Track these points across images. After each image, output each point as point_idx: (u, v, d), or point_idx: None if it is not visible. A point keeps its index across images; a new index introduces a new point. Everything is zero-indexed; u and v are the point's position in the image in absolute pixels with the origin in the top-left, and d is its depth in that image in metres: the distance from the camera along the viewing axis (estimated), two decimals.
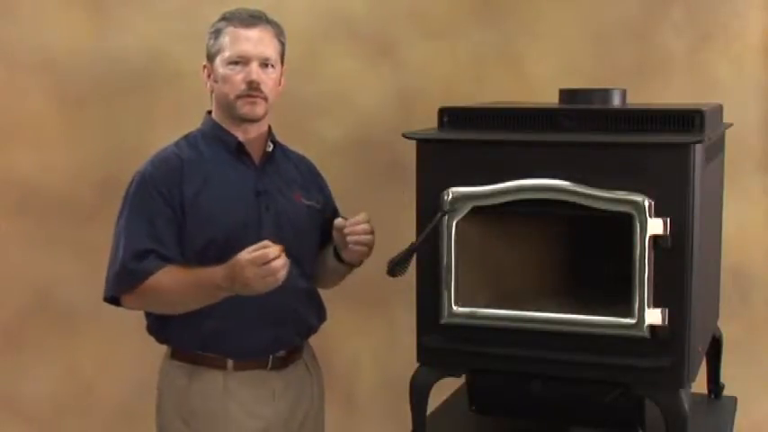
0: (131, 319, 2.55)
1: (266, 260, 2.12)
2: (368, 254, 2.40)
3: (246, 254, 2.14)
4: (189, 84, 3.05)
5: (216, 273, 2.21)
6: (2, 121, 3.23)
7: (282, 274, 2.15)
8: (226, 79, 2.37)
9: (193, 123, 2.49)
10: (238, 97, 2.37)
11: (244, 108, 2.37)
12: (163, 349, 2.48)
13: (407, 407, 2.23)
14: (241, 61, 2.36)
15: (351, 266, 2.49)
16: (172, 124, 2.61)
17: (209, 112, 2.48)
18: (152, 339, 2.45)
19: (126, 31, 3.19)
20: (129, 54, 3.18)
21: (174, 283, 2.28)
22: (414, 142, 2.16)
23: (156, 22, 3.17)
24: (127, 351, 3.24)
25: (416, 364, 2.22)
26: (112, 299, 2.36)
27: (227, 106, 2.39)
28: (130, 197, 2.36)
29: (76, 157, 3.23)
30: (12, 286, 3.27)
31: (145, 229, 2.31)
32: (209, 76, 2.42)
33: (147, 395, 2.51)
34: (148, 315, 2.43)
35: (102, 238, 3.22)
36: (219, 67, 2.38)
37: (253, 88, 2.36)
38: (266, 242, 2.16)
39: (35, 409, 3.32)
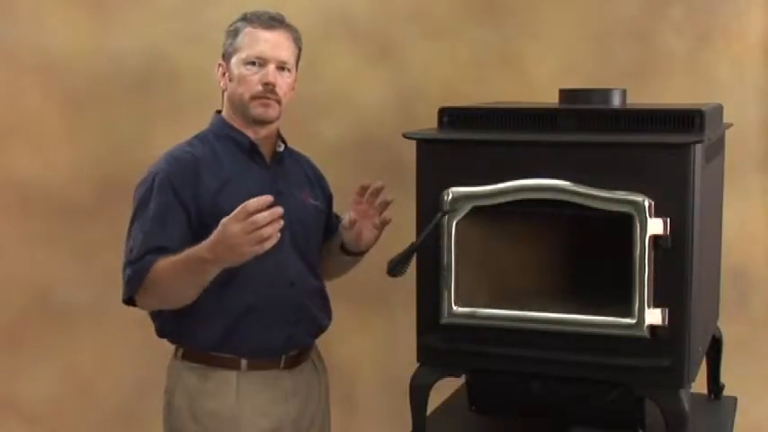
0: (131, 319, 2.56)
1: (256, 227, 2.03)
2: (378, 236, 2.42)
3: (235, 220, 2.05)
4: (188, 84, 3.06)
5: (201, 246, 2.15)
6: (2, 121, 3.23)
7: (272, 242, 2.07)
8: (241, 79, 2.35)
9: (193, 123, 2.49)
10: (253, 98, 2.35)
11: (257, 109, 2.35)
12: (164, 350, 2.47)
13: (407, 407, 2.22)
14: (258, 62, 2.34)
15: (356, 257, 2.49)
16: (171, 124, 2.62)
17: (219, 112, 2.46)
18: (152, 340, 2.44)
19: (126, 32, 3.19)
20: (129, 54, 3.18)
21: (168, 268, 2.22)
22: (414, 142, 2.16)
23: (156, 22, 3.17)
24: (127, 351, 3.24)
25: (416, 364, 2.22)
26: (129, 300, 2.31)
27: (241, 106, 2.37)
28: (141, 197, 2.32)
29: (76, 157, 3.23)
30: (12, 286, 3.27)
31: (157, 228, 2.27)
32: (223, 74, 2.40)
33: (147, 395, 2.51)
34: (159, 318, 2.40)
35: (102, 238, 3.24)
36: (236, 66, 2.36)
37: (268, 90, 2.34)
38: (250, 204, 2.05)
39: (34, 409, 3.32)
